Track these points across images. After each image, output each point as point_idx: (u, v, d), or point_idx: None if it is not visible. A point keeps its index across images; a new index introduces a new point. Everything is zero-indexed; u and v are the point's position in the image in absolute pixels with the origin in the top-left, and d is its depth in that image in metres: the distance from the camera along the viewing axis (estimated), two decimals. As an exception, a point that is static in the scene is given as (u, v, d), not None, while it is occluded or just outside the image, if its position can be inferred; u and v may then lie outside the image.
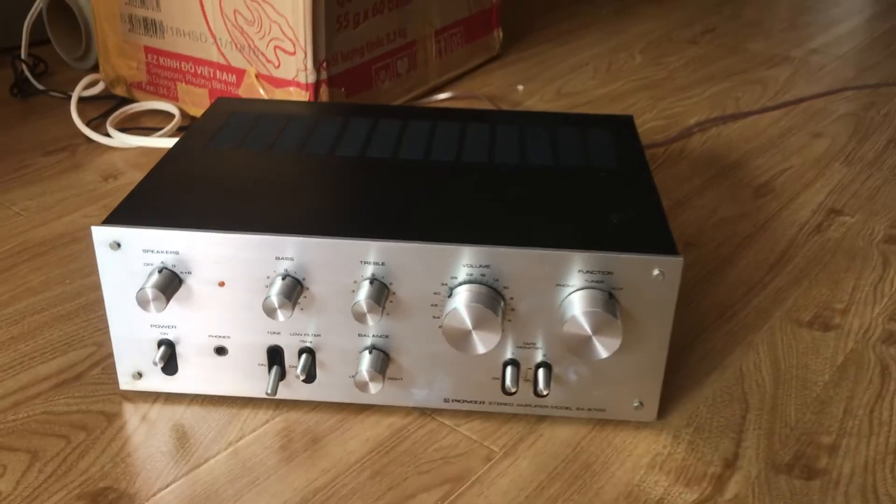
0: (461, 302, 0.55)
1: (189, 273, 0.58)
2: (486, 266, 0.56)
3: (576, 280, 0.56)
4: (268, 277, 0.57)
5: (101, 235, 0.57)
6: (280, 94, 1.01)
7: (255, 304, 0.58)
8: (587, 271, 0.56)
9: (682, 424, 0.61)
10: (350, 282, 0.57)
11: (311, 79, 0.99)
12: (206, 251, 0.57)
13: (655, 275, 0.55)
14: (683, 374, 0.67)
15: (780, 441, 0.60)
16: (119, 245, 0.57)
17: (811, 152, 1.06)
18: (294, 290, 0.57)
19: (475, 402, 0.61)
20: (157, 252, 0.57)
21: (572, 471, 0.57)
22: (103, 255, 0.58)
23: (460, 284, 0.56)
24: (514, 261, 0.56)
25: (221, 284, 0.58)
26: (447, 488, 0.55)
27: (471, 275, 0.56)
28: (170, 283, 0.57)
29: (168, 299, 0.57)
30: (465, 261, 0.56)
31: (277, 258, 0.57)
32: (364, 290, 0.56)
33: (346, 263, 0.56)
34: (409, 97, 1.17)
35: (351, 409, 0.62)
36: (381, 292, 0.56)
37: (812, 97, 1.23)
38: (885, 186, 0.97)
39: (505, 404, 0.61)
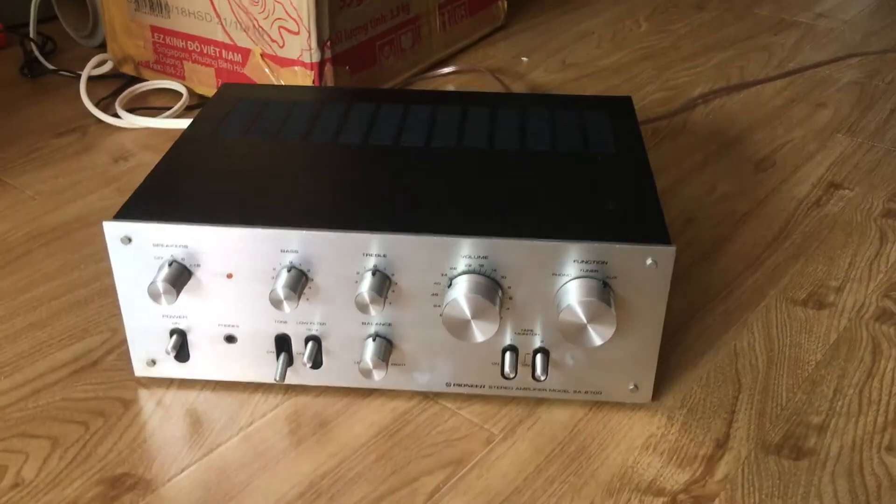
0: (460, 292, 0.57)
1: (198, 266, 0.60)
2: (485, 257, 0.58)
3: (571, 269, 0.58)
4: (274, 269, 0.59)
5: (113, 230, 0.59)
6: (285, 74, 1.02)
7: (263, 295, 0.60)
8: (582, 261, 0.57)
9: (675, 405, 0.63)
10: (353, 273, 0.59)
11: (316, 58, 1.00)
12: (214, 245, 0.59)
13: (648, 264, 0.57)
14: (679, 353, 0.69)
15: (770, 421, 0.62)
16: (130, 240, 0.59)
17: (814, 123, 1.06)
18: (299, 281, 0.59)
19: (476, 385, 0.63)
20: (167, 246, 0.59)
21: (569, 453, 0.59)
22: (115, 249, 0.60)
23: (460, 275, 0.58)
24: (511, 251, 0.57)
25: (229, 276, 0.60)
26: (449, 471, 0.58)
27: (470, 265, 0.58)
28: (180, 276, 0.59)
29: (178, 292, 0.59)
30: (464, 252, 0.58)
31: (283, 251, 0.59)
32: (367, 282, 0.58)
33: (349, 255, 0.58)
34: (414, 72, 1.17)
35: (357, 393, 0.64)
36: (383, 283, 0.58)
37: (817, 65, 1.23)
38: (886, 158, 0.98)
39: (504, 388, 0.63)
